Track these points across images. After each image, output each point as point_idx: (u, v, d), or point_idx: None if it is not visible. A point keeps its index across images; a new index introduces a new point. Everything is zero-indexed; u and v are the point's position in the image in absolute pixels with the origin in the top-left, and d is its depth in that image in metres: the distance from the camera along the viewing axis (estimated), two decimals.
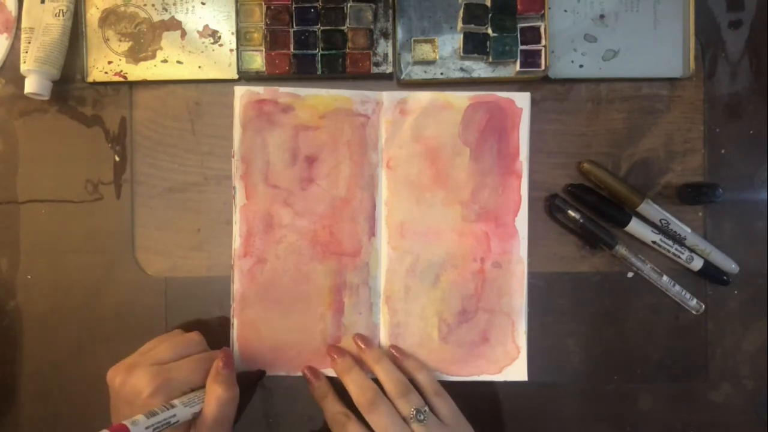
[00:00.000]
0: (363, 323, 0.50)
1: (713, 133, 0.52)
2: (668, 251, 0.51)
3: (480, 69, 0.51)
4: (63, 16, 0.49)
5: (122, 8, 0.51)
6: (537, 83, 0.52)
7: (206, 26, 0.51)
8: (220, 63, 0.51)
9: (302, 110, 0.50)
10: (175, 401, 0.40)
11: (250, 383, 0.49)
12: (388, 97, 0.51)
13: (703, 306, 0.52)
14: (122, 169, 0.52)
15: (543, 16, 0.50)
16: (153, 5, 0.51)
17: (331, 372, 0.49)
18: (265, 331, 0.50)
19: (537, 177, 0.51)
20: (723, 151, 0.52)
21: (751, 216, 0.52)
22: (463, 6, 0.49)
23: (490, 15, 0.49)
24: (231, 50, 0.51)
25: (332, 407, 0.47)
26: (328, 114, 0.50)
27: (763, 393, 0.53)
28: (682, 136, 0.52)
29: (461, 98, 0.51)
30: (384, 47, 0.51)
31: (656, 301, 0.52)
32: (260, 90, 0.50)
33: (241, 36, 0.50)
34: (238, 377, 0.44)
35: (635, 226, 0.51)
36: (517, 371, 0.51)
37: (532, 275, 0.51)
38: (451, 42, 0.50)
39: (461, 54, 0.50)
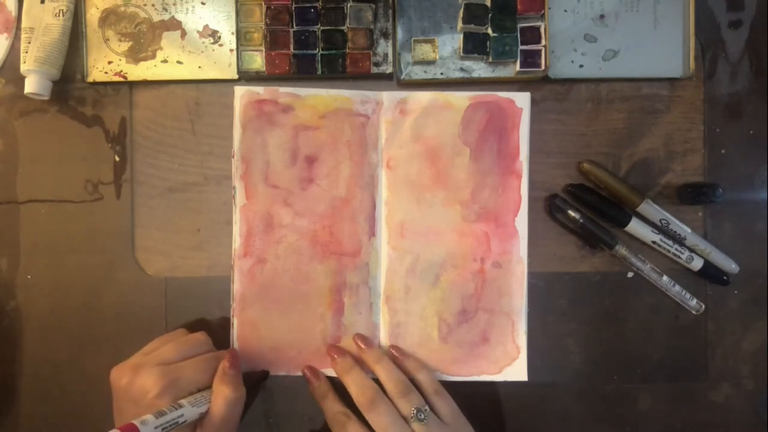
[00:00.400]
0: (363, 323, 0.50)
1: (713, 133, 0.52)
2: (668, 251, 0.51)
3: (480, 69, 0.51)
4: (63, 16, 0.49)
5: (122, 8, 0.51)
6: (537, 83, 0.52)
7: (206, 26, 0.51)
8: (220, 63, 0.51)
9: (302, 110, 0.50)
10: (183, 401, 0.41)
11: (254, 384, 0.49)
12: (388, 97, 0.51)
13: (703, 306, 0.52)
14: (122, 169, 0.52)
15: (543, 16, 0.50)
16: (153, 5, 0.51)
17: (331, 372, 0.49)
18: (265, 331, 0.50)
19: (537, 177, 0.51)
20: (723, 151, 0.52)
21: (751, 216, 0.52)
22: (463, 6, 0.49)
23: (490, 15, 0.49)
24: (231, 50, 0.51)
25: (332, 407, 0.47)
26: (328, 114, 0.50)
27: (763, 393, 0.53)
28: (682, 136, 0.52)
29: (461, 98, 0.51)
30: (384, 47, 0.51)
31: (656, 301, 0.52)
32: (260, 90, 0.50)
33: (241, 36, 0.50)
34: (242, 377, 0.44)
35: (635, 226, 0.51)
36: (517, 371, 0.51)
37: (532, 275, 0.51)
38: (451, 42, 0.50)
39: (461, 54, 0.50)
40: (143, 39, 0.51)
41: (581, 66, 0.51)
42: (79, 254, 0.52)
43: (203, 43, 0.51)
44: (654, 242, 0.51)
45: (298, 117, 0.50)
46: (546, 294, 0.52)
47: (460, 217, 0.51)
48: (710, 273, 0.51)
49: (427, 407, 0.45)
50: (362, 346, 0.49)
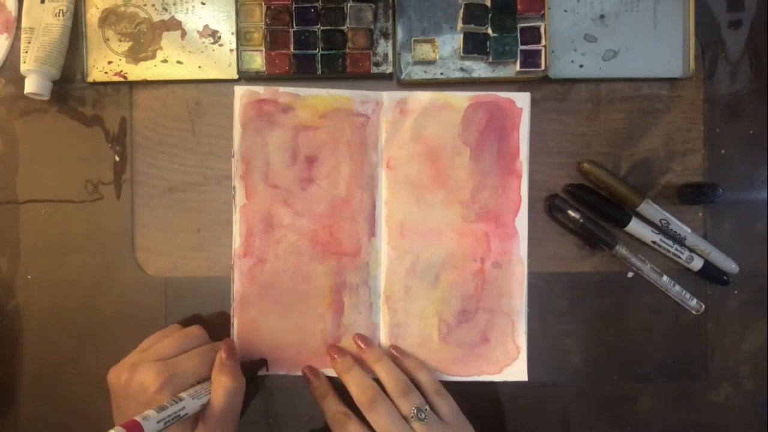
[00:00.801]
0: (363, 323, 0.50)
1: (713, 133, 0.52)
2: (668, 251, 0.51)
3: (480, 69, 0.51)
4: (63, 16, 0.49)
5: (122, 8, 0.51)
6: (537, 83, 0.52)
7: (206, 26, 0.51)
8: (220, 63, 0.51)
9: (302, 110, 0.50)
10: (183, 394, 0.41)
11: (253, 373, 0.49)
12: (388, 97, 0.51)
13: (703, 306, 0.52)
14: (122, 169, 0.52)
15: (543, 16, 0.50)
16: (153, 5, 0.51)
17: (331, 372, 0.49)
18: (265, 331, 0.50)
19: (537, 177, 0.51)
20: (723, 151, 0.52)
21: (751, 216, 0.52)
22: (463, 6, 0.49)
23: (490, 15, 0.49)
24: (231, 50, 0.51)
25: (332, 407, 0.47)
26: (328, 114, 0.50)
27: (763, 393, 0.53)
28: (682, 136, 0.52)
29: (461, 98, 0.51)
30: (384, 47, 0.51)
31: (656, 301, 0.52)
32: (260, 90, 0.50)
33: (241, 36, 0.50)
34: (241, 367, 0.45)
35: (635, 226, 0.51)
36: (517, 371, 0.51)
37: (532, 275, 0.51)
38: (451, 42, 0.50)
39: (461, 54, 0.50)
40: (143, 39, 0.51)
41: (581, 66, 0.51)
42: (79, 254, 0.52)
43: (203, 43, 0.51)
44: (654, 242, 0.51)
45: (298, 117, 0.50)
46: (546, 294, 0.52)
47: (460, 217, 0.51)
48: (710, 273, 0.51)
49: (427, 407, 0.45)
50: (362, 345, 0.49)
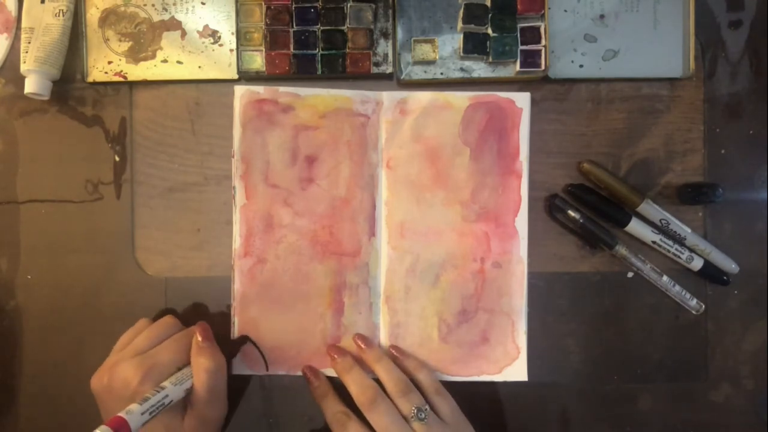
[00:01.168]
0: (363, 323, 0.50)
1: (713, 133, 0.52)
2: (668, 251, 0.51)
3: (480, 69, 0.51)
4: (63, 16, 0.49)
5: (122, 8, 0.51)
6: (537, 83, 0.52)
7: (206, 26, 0.51)
8: (220, 63, 0.51)
9: (302, 110, 0.50)
10: (165, 383, 0.41)
11: (236, 350, 0.49)
12: (388, 97, 0.51)
13: (703, 306, 0.52)
14: (122, 169, 0.52)
15: (543, 16, 0.50)
16: (153, 5, 0.51)
17: (331, 372, 0.49)
18: (265, 331, 0.50)
19: (537, 177, 0.51)
20: (723, 151, 0.52)
21: (751, 216, 0.52)
22: (463, 6, 0.49)
23: (490, 15, 0.49)
24: (231, 50, 0.51)
25: (332, 407, 0.47)
26: (328, 114, 0.50)
27: (763, 393, 0.53)
28: (682, 136, 0.52)
29: (461, 98, 0.51)
30: (384, 47, 0.51)
31: (656, 301, 0.52)
32: (260, 90, 0.50)
33: (241, 36, 0.50)
34: (222, 348, 0.45)
35: (635, 226, 0.51)
36: (517, 371, 0.51)
37: (532, 275, 0.51)
38: (451, 42, 0.50)
39: (461, 54, 0.50)
40: (143, 39, 0.51)
41: (581, 66, 0.51)
42: (79, 254, 0.52)
43: (203, 43, 0.51)
44: (654, 242, 0.51)
45: (298, 117, 0.50)
46: (546, 294, 0.52)
47: (460, 217, 0.51)
48: (710, 273, 0.51)
49: (427, 406, 0.45)
50: (362, 345, 0.49)
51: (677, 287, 0.51)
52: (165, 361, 0.43)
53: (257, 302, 0.50)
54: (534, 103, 0.51)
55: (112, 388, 0.42)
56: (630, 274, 0.52)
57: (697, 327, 0.52)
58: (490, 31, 0.50)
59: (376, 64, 0.51)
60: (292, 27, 0.50)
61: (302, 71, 0.50)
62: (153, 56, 0.51)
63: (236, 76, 0.51)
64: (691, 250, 0.51)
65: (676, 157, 0.52)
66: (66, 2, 0.50)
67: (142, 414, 0.37)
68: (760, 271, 0.52)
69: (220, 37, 0.51)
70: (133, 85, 0.52)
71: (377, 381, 0.46)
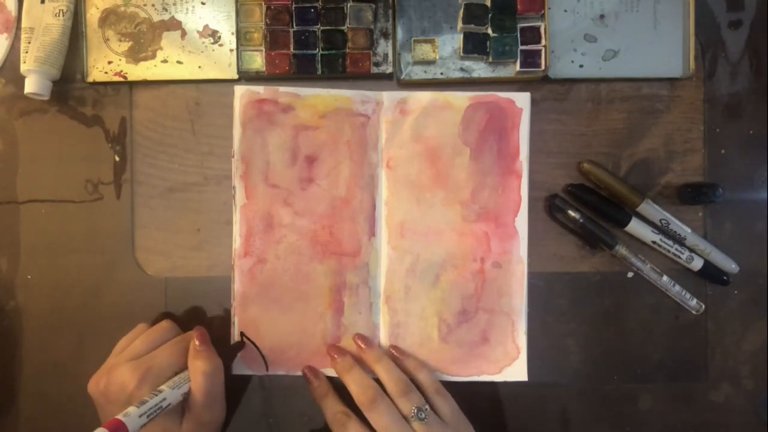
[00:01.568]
0: (363, 323, 0.50)
1: (713, 133, 0.52)
2: (668, 251, 0.51)
3: (480, 69, 0.51)
4: (63, 16, 0.49)
5: (122, 8, 0.51)
6: (537, 83, 0.52)
7: (206, 26, 0.51)
8: (220, 63, 0.51)
9: (302, 110, 0.50)
10: (162, 387, 0.41)
11: (232, 355, 0.49)
12: (388, 97, 0.51)
13: (703, 306, 0.52)
14: (122, 169, 0.52)
15: (543, 16, 0.50)
16: (153, 5, 0.51)
17: (331, 372, 0.49)
18: (266, 331, 0.50)
19: (537, 177, 0.51)
20: (723, 151, 0.52)
21: (751, 216, 0.52)
22: (463, 6, 0.49)
23: (490, 15, 0.49)
24: (231, 50, 0.51)
25: (332, 407, 0.47)
26: (328, 114, 0.50)
27: (763, 393, 0.53)
28: (682, 136, 0.52)
29: (461, 98, 0.51)
30: (384, 47, 0.51)
31: (656, 301, 0.52)
32: (260, 90, 0.50)
33: (241, 36, 0.50)
34: (219, 353, 0.45)
35: (635, 226, 0.51)
36: (517, 371, 0.51)
37: (532, 275, 0.51)
38: (451, 42, 0.50)
39: (461, 54, 0.50)
40: (143, 39, 0.51)
41: (581, 66, 0.51)
42: (79, 254, 0.52)
43: (203, 43, 0.51)
44: (654, 242, 0.51)
45: (298, 117, 0.50)
46: (546, 294, 0.52)
47: (460, 217, 0.51)
48: (710, 273, 0.51)
49: (427, 406, 0.45)
50: (362, 345, 0.49)
51: (677, 287, 0.51)
52: (162, 365, 0.43)
53: (257, 302, 0.50)
54: (534, 103, 0.51)
55: (109, 392, 0.42)
56: (630, 274, 0.52)
57: (697, 327, 0.52)
58: (490, 31, 0.50)
59: (376, 64, 0.51)
60: (292, 27, 0.50)
61: (302, 71, 0.50)
62: (153, 56, 0.51)
63: (236, 76, 0.51)
64: (691, 250, 0.51)
65: (676, 157, 0.52)
66: (66, 2, 0.50)
67: (140, 417, 0.37)
68: (760, 271, 0.52)
69: (220, 37, 0.51)
70: (133, 85, 0.52)
71: (377, 381, 0.46)
